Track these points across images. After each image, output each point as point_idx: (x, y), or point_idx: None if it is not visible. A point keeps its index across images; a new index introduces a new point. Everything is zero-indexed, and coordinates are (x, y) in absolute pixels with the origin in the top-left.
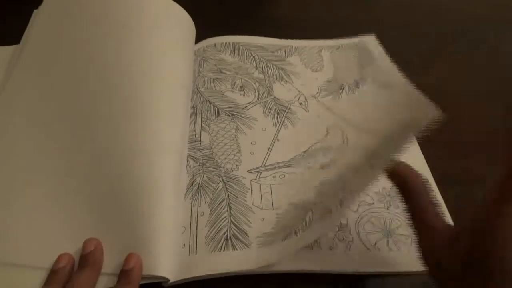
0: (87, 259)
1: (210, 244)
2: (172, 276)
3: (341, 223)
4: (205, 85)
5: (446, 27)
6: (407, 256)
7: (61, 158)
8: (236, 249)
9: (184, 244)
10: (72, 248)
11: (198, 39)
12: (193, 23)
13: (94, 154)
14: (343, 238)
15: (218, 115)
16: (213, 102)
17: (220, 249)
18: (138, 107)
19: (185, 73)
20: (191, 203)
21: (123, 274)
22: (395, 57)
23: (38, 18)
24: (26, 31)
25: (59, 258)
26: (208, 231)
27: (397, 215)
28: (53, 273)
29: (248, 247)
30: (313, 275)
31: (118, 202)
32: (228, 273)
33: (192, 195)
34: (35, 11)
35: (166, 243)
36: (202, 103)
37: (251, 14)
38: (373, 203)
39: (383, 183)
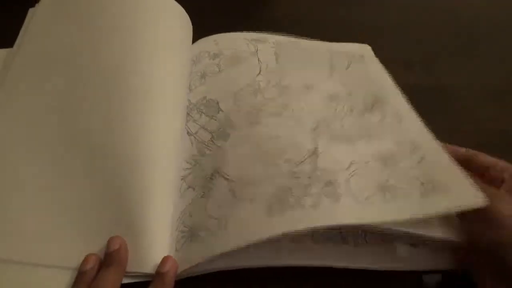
0: (113, 258)
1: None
2: None
3: (329, 180)
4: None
5: (446, 27)
6: (407, 205)
7: (58, 159)
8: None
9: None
10: (87, 247)
11: (196, 39)
12: (189, 19)
13: (91, 155)
14: (330, 194)
15: None
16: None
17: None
18: (134, 107)
19: (182, 69)
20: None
21: (158, 276)
22: (395, 57)
23: (34, 20)
24: (21, 33)
25: (87, 259)
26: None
27: (395, 171)
28: (81, 274)
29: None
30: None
31: (113, 199)
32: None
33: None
34: (30, 9)
35: (160, 241)
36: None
37: (251, 14)
38: (368, 162)
39: (380, 146)
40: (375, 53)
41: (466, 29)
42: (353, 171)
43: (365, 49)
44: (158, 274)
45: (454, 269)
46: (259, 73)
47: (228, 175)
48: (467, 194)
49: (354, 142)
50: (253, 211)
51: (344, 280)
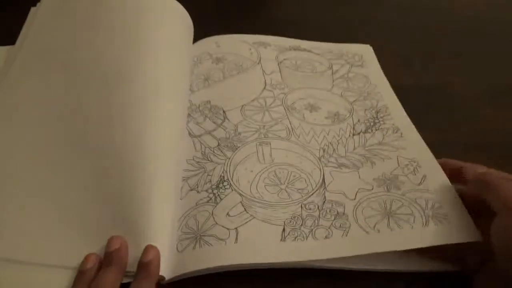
0: (113, 257)
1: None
2: (167, 273)
3: (337, 212)
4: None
5: (446, 27)
6: (409, 234)
7: (58, 158)
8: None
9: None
10: (90, 246)
11: (197, 39)
12: (190, 19)
13: (91, 154)
14: (340, 226)
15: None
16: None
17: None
18: (135, 106)
19: (183, 69)
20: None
21: (142, 267)
22: (395, 57)
23: (36, 19)
24: (23, 31)
25: (87, 258)
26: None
27: (398, 196)
28: (80, 274)
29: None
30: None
31: (113, 198)
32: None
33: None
34: (32, 8)
35: (160, 240)
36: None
37: (251, 14)
38: (372, 189)
39: (383, 169)
40: (375, 53)
41: (466, 29)
42: (359, 201)
43: (365, 50)
44: (142, 264)
45: (449, 271)
46: (265, 87)
47: (241, 190)
48: (463, 228)
49: (358, 168)
50: (267, 232)
51: (344, 280)
